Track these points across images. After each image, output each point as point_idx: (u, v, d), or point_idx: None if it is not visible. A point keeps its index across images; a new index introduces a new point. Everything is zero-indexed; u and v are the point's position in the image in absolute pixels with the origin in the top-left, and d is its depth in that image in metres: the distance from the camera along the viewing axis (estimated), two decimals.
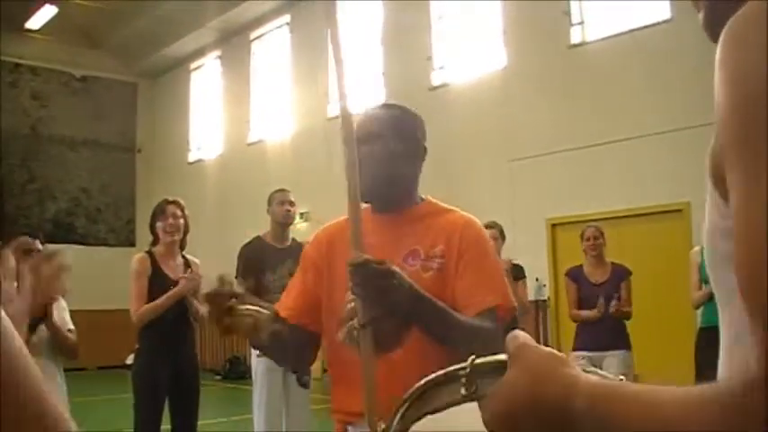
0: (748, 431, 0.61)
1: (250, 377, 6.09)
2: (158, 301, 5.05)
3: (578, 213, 9.74)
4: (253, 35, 17.07)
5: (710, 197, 0.81)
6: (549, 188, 10.65)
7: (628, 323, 6.34)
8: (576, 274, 6.55)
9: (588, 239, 6.52)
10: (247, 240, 5.89)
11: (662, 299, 8.58)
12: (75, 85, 19.33)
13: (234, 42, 17.36)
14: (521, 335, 0.91)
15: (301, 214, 11.23)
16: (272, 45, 16.70)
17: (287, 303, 2.38)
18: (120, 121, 19.95)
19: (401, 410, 1.18)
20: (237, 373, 14.73)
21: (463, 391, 1.03)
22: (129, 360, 13.13)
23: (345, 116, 2.03)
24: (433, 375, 1.13)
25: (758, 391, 0.61)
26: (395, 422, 1.18)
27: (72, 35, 18.10)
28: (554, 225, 10.66)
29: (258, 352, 5.62)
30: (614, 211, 9.57)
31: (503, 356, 0.92)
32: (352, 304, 1.95)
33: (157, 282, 5.14)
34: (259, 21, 16.59)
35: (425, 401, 1.14)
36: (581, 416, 0.77)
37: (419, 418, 1.15)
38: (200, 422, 5.37)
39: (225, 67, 18.08)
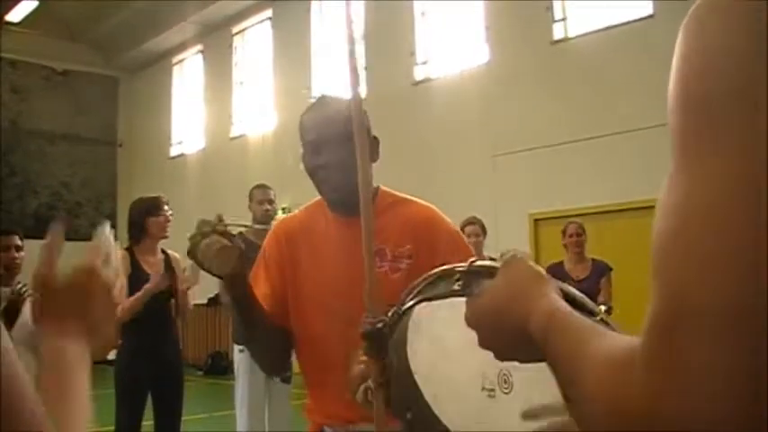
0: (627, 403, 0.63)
1: (232, 372, 6.08)
2: (132, 300, 4.94)
3: (561, 208, 9.77)
4: (235, 29, 17.00)
5: None
6: (532, 183, 10.68)
7: (609, 319, 6.37)
8: (556, 271, 6.57)
9: (571, 236, 6.56)
10: None
11: (643, 294, 8.59)
12: (56, 78, 19.20)
13: (216, 37, 17.29)
14: (519, 251, 0.99)
15: (283, 209, 11.20)
16: (254, 39, 16.65)
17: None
18: (101, 116, 19.84)
19: (406, 298, 1.35)
20: (219, 368, 14.69)
21: (456, 286, 1.17)
22: (110, 355, 13.10)
23: (357, 110, 1.93)
24: (435, 270, 1.28)
25: (635, 365, 0.63)
26: (401, 306, 1.36)
27: (53, 29, 17.98)
28: (537, 220, 10.69)
29: (241, 347, 5.63)
30: (597, 206, 9.61)
31: (498, 263, 1.04)
32: (362, 366, 1.90)
33: (137, 279, 5.09)
34: (241, 15, 16.54)
35: (425, 290, 1.26)
36: (535, 333, 0.85)
37: (418, 303, 1.31)
38: (182, 417, 5.36)
39: (207, 61, 18.01)
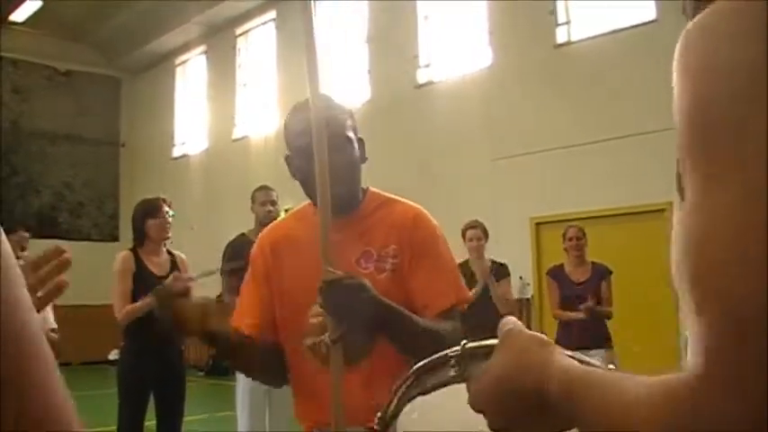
0: (694, 428, 0.63)
1: (233, 373, 6.08)
2: (140, 303, 5.01)
3: (562, 212, 9.77)
4: (238, 31, 17.02)
5: (677, 202, 0.82)
6: (534, 187, 10.68)
7: (609, 322, 6.38)
8: (556, 274, 6.59)
9: (571, 239, 6.56)
10: (232, 237, 5.87)
11: (643, 298, 8.62)
12: (59, 79, 19.22)
13: (219, 38, 17.31)
14: (510, 321, 0.96)
15: (286, 210, 11.21)
16: (258, 41, 16.66)
17: (249, 320, 2.21)
18: (104, 116, 19.86)
19: (397, 394, 1.24)
20: (220, 369, 14.67)
21: (452, 372, 1.09)
22: (113, 355, 13.13)
23: (318, 121, 1.91)
24: (426, 360, 1.18)
25: (700, 388, 0.63)
26: (390, 406, 1.24)
27: (56, 29, 18.00)
28: (538, 224, 10.69)
29: None
30: (598, 210, 9.61)
31: (493, 341, 0.97)
32: (320, 319, 1.90)
33: (142, 279, 5.10)
34: (245, 17, 16.55)
35: (417, 383, 1.20)
36: (555, 399, 0.81)
37: (411, 399, 1.21)
38: (184, 418, 5.36)
39: (210, 62, 18.02)
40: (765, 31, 0.63)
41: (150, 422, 5.18)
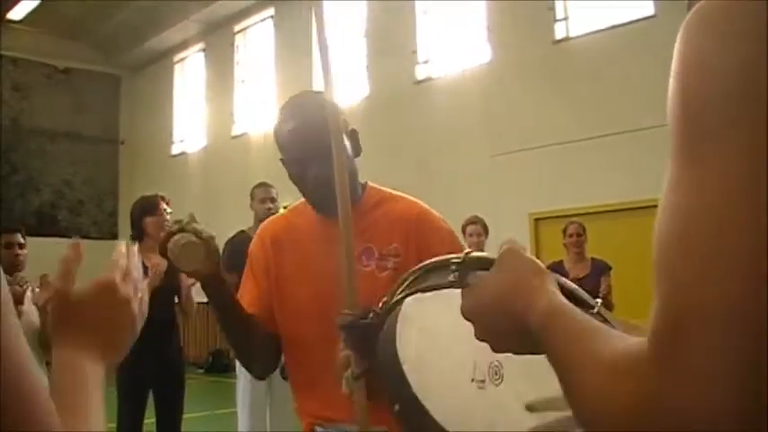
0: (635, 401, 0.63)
1: (233, 370, 6.08)
2: None
3: (561, 208, 9.77)
4: (237, 28, 17.00)
5: None
6: (533, 183, 10.68)
7: (605, 311, 6.39)
8: (556, 270, 6.56)
9: (571, 236, 6.57)
10: (232, 234, 5.87)
11: (644, 294, 8.61)
12: (58, 76, 19.21)
13: (218, 35, 17.29)
14: (513, 241, 1.00)
15: (285, 207, 11.20)
16: (256, 38, 16.65)
17: (252, 310, 2.17)
18: (103, 114, 19.86)
19: (398, 289, 1.34)
20: (220, 366, 14.69)
21: (451, 277, 1.14)
22: None
23: (335, 124, 1.87)
24: (429, 261, 1.27)
25: (644, 367, 0.64)
26: (393, 297, 1.34)
27: (55, 27, 17.97)
28: (537, 219, 10.69)
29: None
30: (597, 205, 9.61)
31: (495, 256, 1.02)
32: (346, 352, 1.87)
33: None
34: (243, 14, 16.54)
35: (418, 281, 1.29)
36: (534, 328, 0.85)
37: (410, 294, 1.30)
38: (183, 416, 5.36)
39: (208, 59, 18.01)
40: (763, 31, 0.63)
41: (150, 420, 5.19)
